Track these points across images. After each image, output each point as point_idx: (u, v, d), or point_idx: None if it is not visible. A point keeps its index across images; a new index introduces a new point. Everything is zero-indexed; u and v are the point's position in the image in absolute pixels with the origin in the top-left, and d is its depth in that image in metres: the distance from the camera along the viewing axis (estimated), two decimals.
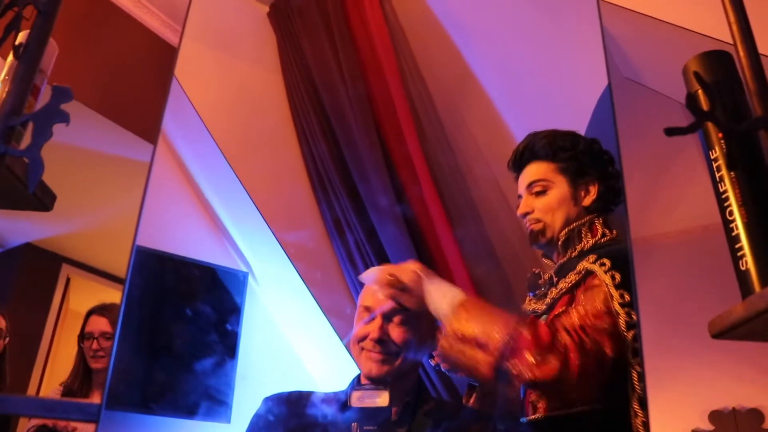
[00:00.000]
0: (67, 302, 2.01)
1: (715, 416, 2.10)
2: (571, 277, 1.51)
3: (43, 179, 0.82)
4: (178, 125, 2.67)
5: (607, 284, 1.40)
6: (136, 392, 2.37)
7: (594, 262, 1.46)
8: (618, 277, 1.40)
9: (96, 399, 1.98)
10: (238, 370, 2.60)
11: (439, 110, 2.70)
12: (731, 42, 0.79)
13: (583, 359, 1.28)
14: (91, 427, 0.79)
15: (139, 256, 2.47)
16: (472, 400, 1.72)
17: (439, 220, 2.47)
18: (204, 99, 2.61)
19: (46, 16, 0.83)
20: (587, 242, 1.59)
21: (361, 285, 1.64)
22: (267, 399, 1.58)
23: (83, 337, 2.07)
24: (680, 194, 2.18)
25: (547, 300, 1.58)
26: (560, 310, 1.47)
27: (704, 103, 0.81)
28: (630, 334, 1.36)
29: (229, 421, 2.50)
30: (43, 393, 1.89)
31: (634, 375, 1.35)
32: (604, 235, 1.59)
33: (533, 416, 1.49)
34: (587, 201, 1.63)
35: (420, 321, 1.52)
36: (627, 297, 1.37)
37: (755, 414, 2.07)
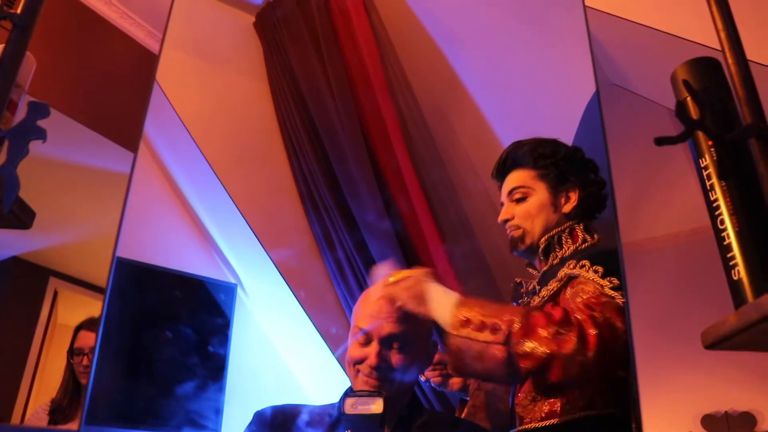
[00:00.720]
0: (55, 316, 1.98)
1: (707, 420, 2.09)
2: (553, 285, 1.51)
3: (20, 196, 0.80)
4: (165, 136, 2.65)
5: (592, 279, 1.40)
6: (120, 409, 2.34)
7: (574, 267, 1.46)
8: (601, 269, 1.40)
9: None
10: (228, 383, 2.57)
11: (427, 121, 2.70)
12: (719, 48, 0.79)
13: (599, 330, 1.25)
14: None
15: (126, 267, 2.45)
16: (464, 413, 1.71)
17: (430, 233, 2.45)
18: (191, 110, 2.60)
19: (22, 30, 0.81)
20: (568, 248, 1.59)
21: (353, 299, 1.62)
22: (258, 413, 1.56)
23: (72, 352, 2.04)
24: (669, 199, 2.19)
25: None
26: None
27: (693, 111, 0.80)
28: None
29: None
30: (31, 408, 1.86)
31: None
32: (585, 240, 1.59)
33: (520, 428, 1.48)
34: (567, 208, 1.64)
35: (417, 341, 1.50)
36: (615, 281, 1.37)
37: (748, 417, 2.06)
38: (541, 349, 1.24)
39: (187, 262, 2.71)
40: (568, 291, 1.45)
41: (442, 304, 1.38)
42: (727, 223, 0.76)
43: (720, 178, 0.77)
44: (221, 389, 2.54)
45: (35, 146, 0.83)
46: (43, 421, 1.54)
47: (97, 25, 1.92)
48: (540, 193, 1.65)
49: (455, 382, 1.78)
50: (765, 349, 0.74)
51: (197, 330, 2.59)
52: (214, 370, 2.56)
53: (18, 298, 1.88)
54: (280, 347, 2.89)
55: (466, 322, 1.32)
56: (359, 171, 2.52)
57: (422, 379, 1.74)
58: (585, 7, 1.67)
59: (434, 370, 1.78)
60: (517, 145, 1.73)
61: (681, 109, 0.78)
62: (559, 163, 1.65)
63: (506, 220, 1.68)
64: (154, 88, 1.77)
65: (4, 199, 0.75)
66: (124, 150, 1.79)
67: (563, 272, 1.49)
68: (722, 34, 0.77)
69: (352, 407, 1.26)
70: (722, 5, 0.79)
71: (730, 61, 0.76)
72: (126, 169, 1.68)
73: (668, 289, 2.08)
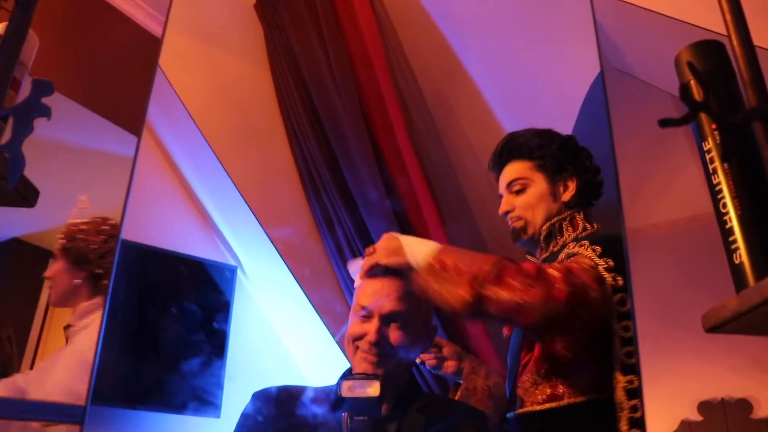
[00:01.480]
0: None
1: (704, 407, 2.11)
2: None
3: (25, 174, 0.80)
4: (166, 119, 2.64)
5: (589, 256, 1.42)
6: (125, 387, 2.35)
7: (573, 248, 1.49)
8: (599, 249, 1.43)
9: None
10: (228, 365, 2.58)
11: (428, 103, 2.69)
12: (723, 33, 0.78)
13: (570, 288, 1.29)
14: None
15: (127, 249, 2.45)
16: (457, 396, 1.72)
17: (430, 214, 2.45)
18: (191, 92, 2.59)
19: (25, 7, 0.80)
20: (569, 236, 1.61)
21: (352, 280, 1.63)
22: (255, 395, 1.56)
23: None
24: (670, 184, 2.18)
25: None
26: None
27: (697, 94, 0.80)
28: (616, 298, 1.37)
29: (218, 416, 2.49)
30: None
31: (617, 341, 1.36)
32: (585, 229, 1.62)
33: (521, 410, 1.49)
34: (566, 196, 1.66)
35: (417, 321, 1.50)
36: (611, 263, 1.39)
37: (744, 404, 2.08)
38: (506, 296, 1.27)
39: (188, 244, 2.71)
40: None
41: (419, 249, 1.40)
42: (729, 207, 0.76)
43: (723, 161, 0.77)
44: (222, 367, 2.56)
45: (39, 129, 0.83)
46: None
47: (99, 8, 1.92)
48: (539, 184, 1.67)
49: (450, 365, 1.79)
50: (766, 333, 0.74)
51: (198, 312, 2.60)
52: (215, 348, 2.57)
53: (19, 279, 1.88)
54: (280, 330, 2.89)
55: (443, 265, 1.34)
56: (359, 153, 2.51)
57: (417, 361, 1.75)
58: None
59: (429, 352, 1.79)
60: (512, 137, 1.75)
61: (685, 91, 0.78)
62: (556, 153, 1.67)
63: (507, 212, 1.70)
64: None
65: (9, 176, 0.75)
66: (128, 133, 1.79)
67: (563, 254, 1.52)
68: (728, 17, 0.77)
69: (349, 390, 1.27)
70: None
71: (735, 42, 0.76)
72: (126, 151, 1.68)
73: (667, 276, 2.09)
